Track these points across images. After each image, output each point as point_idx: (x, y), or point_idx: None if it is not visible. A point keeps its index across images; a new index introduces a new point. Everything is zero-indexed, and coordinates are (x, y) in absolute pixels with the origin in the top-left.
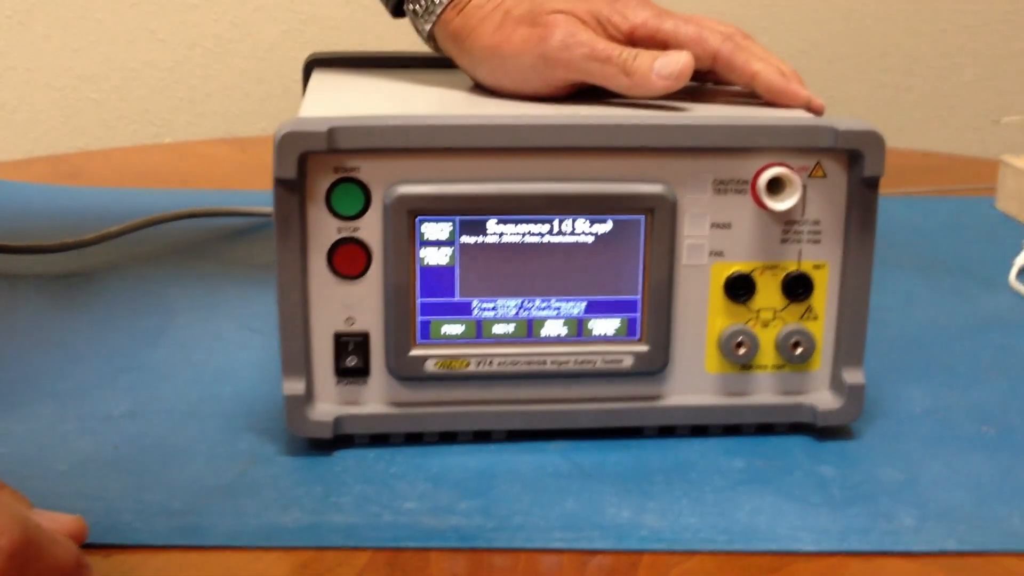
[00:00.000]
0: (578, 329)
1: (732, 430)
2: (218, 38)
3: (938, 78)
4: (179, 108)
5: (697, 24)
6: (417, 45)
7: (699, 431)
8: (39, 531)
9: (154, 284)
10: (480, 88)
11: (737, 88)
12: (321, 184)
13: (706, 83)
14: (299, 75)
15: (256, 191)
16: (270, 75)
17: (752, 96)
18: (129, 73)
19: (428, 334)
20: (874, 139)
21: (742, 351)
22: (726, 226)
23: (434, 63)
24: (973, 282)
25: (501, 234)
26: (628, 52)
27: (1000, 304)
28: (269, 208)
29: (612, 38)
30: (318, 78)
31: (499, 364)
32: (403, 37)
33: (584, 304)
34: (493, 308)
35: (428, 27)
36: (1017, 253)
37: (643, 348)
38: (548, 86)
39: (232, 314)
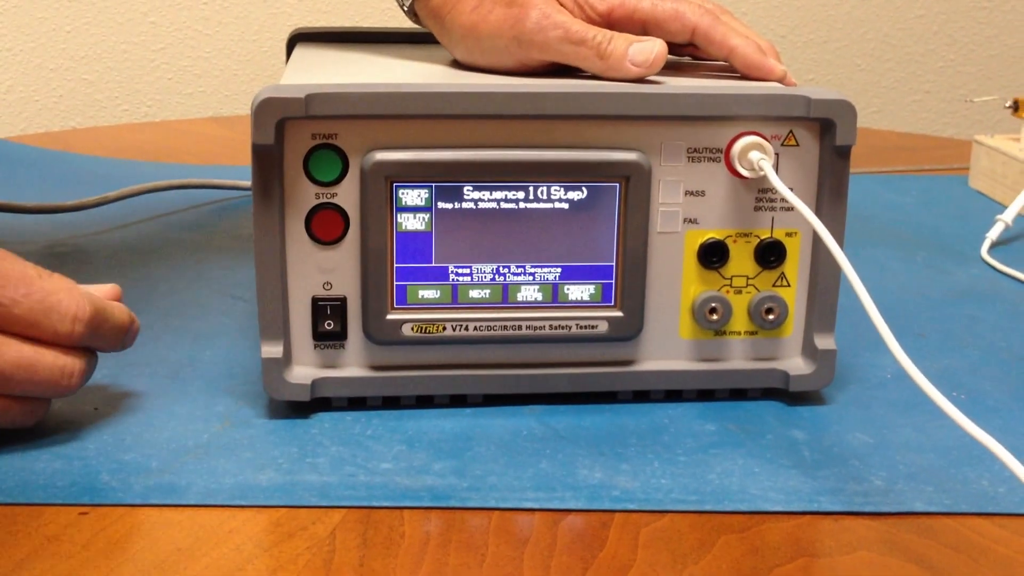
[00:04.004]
0: (553, 294)
1: (705, 395)
2: (207, 20)
3: (914, 62)
4: (169, 88)
5: (675, 0)
6: (404, 26)
7: (673, 396)
8: (101, 300)
9: (138, 253)
10: (460, 63)
11: (715, 63)
12: (299, 150)
13: (683, 57)
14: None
15: (243, 167)
16: (259, 56)
17: (730, 70)
18: (121, 54)
19: (404, 299)
20: (846, 108)
21: (715, 317)
22: (700, 194)
23: (417, 39)
24: (946, 256)
25: (477, 200)
26: (603, 35)
27: (973, 277)
28: None
29: (589, 19)
30: (300, 51)
31: (475, 329)
32: (391, 21)
33: (559, 270)
34: (469, 273)
35: (409, 1)
36: (989, 228)
37: (618, 314)
38: (523, 67)
39: (215, 282)
